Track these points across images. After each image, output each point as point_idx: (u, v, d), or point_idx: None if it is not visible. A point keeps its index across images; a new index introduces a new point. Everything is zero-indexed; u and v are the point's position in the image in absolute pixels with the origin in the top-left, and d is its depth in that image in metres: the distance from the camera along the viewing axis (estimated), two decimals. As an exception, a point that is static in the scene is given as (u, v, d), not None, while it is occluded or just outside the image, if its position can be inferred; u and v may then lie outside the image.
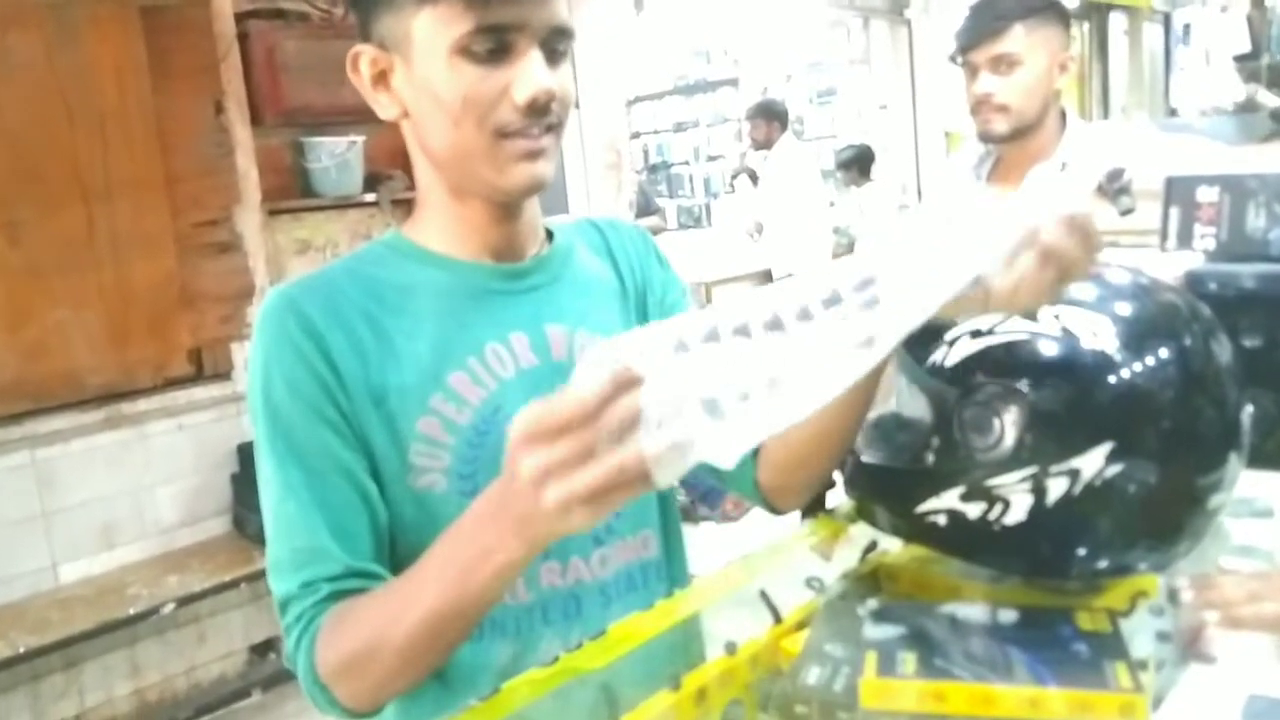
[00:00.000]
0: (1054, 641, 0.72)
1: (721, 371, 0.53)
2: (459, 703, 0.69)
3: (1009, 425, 0.73)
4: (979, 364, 0.75)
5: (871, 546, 0.98)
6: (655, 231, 6.06)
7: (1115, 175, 1.41)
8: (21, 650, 2.32)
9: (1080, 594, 0.82)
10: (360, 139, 3.08)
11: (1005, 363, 0.73)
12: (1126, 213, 1.39)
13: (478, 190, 0.83)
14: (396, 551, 0.84)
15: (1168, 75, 6.77)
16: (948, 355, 0.77)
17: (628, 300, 0.98)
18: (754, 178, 5.42)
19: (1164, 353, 0.72)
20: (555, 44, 0.80)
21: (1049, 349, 0.72)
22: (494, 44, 0.76)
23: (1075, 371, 0.71)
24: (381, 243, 0.90)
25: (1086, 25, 6.73)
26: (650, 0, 4.01)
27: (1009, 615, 0.76)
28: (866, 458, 0.86)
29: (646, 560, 0.92)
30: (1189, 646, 0.80)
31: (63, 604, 2.54)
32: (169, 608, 2.54)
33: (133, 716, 2.75)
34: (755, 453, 0.91)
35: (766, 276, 5.00)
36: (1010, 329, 0.74)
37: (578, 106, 3.95)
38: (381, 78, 0.82)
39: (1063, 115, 1.70)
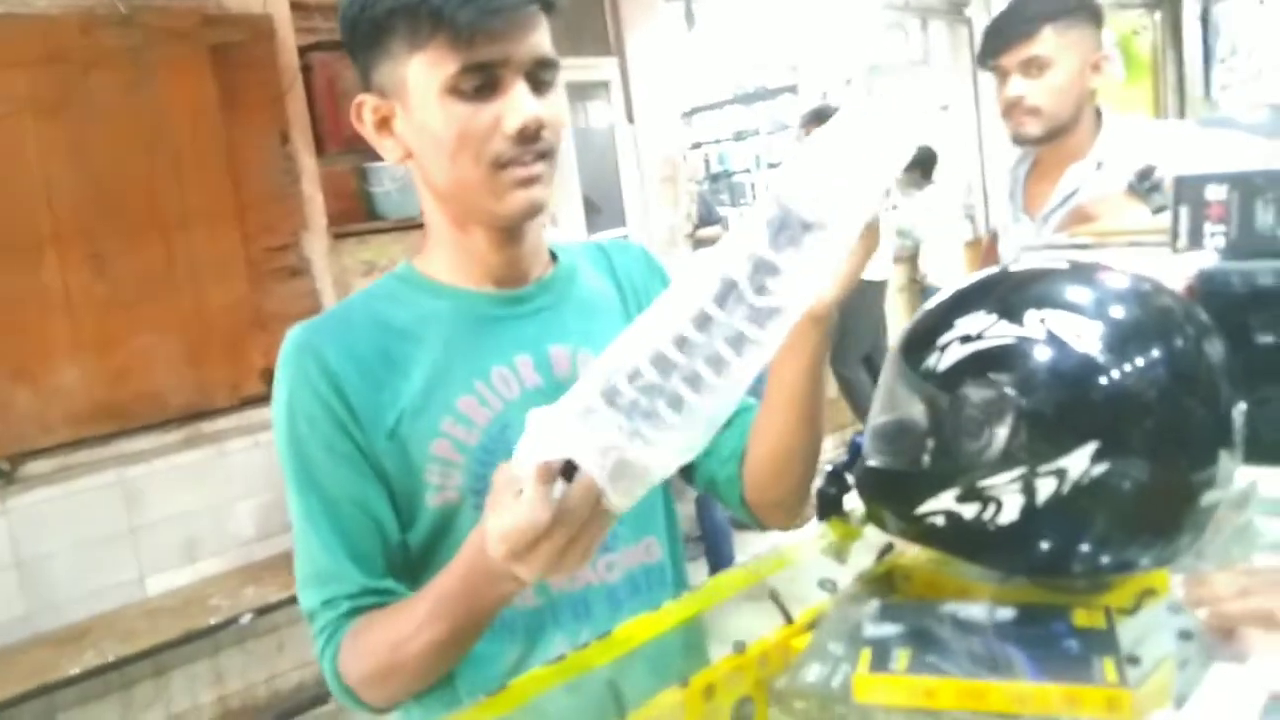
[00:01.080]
0: (1047, 638, 0.74)
1: (647, 406, 0.58)
2: (467, 700, 0.74)
3: (997, 427, 0.75)
4: (968, 368, 0.77)
5: (888, 549, 1.00)
6: (717, 241, 6.11)
7: (1146, 173, 1.41)
8: (112, 659, 2.45)
9: (1086, 593, 0.83)
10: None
11: (992, 366, 0.75)
12: (1159, 211, 1.39)
13: (479, 219, 0.89)
14: (422, 560, 0.90)
15: (1207, 69, 6.55)
16: (940, 360, 0.79)
17: (629, 320, 1.02)
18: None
19: (1150, 354, 0.73)
20: (540, 75, 0.85)
21: (1033, 352, 0.74)
22: (480, 81, 0.82)
23: (1059, 374, 0.73)
24: (394, 276, 0.97)
25: (1159, 14, 6.56)
26: (702, 14, 4.04)
27: (1006, 613, 0.78)
28: (871, 461, 0.89)
29: (650, 565, 0.97)
30: (1221, 644, 0.80)
31: (150, 614, 2.68)
32: (247, 618, 2.66)
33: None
34: (738, 474, 0.95)
35: (828, 282, 4.97)
36: (998, 334, 0.76)
37: (631, 121, 4.02)
38: (384, 124, 0.88)
39: (1098, 114, 1.69)
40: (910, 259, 5.51)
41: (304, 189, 3.05)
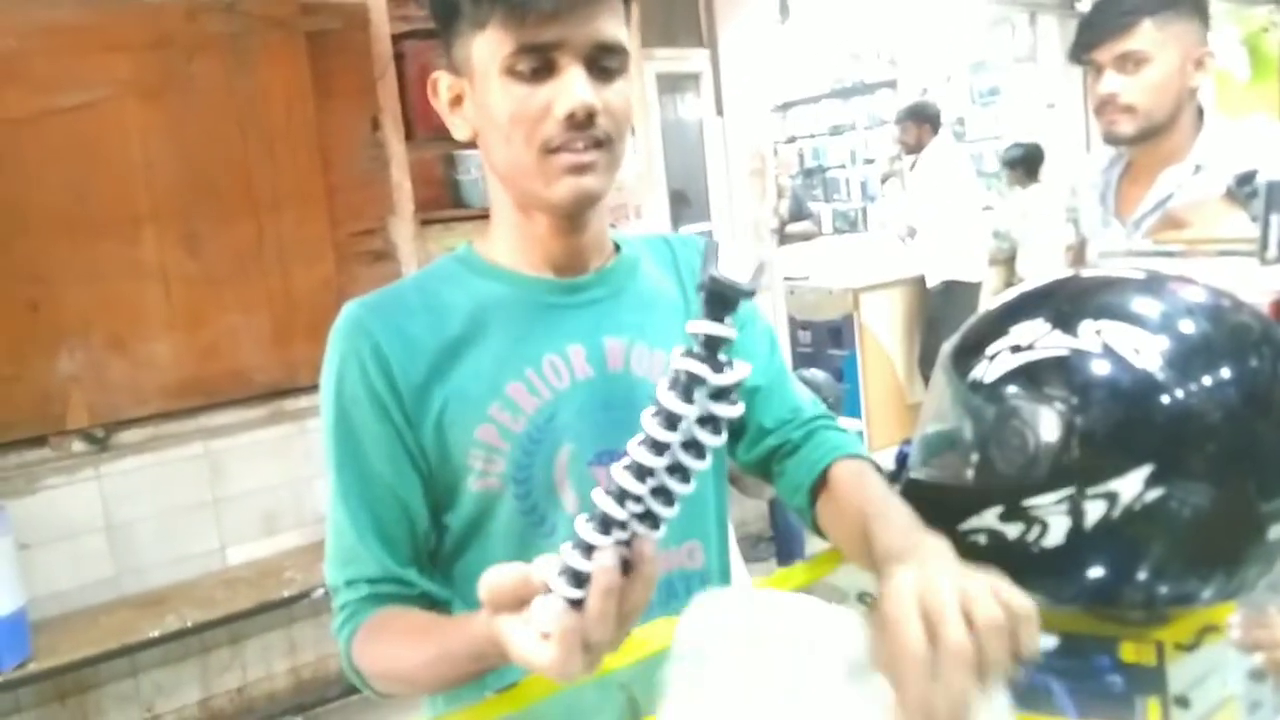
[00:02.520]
0: (1089, 672, 0.69)
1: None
2: (489, 692, 0.73)
3: (1044, 444, 0.70)
4: (1016, 380, 0.73)
5: (934, 564, 0.95)
6: (807, 237, 6.02)
7: (1246, 178, 1.31)
8: (190, 624, 2.53)
9: (1141, 625, 0.78)
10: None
11: (1042, 379, 0.71)
12: (1258, 218, 1.30)
13: (536, 205, 0.87)
14: (461, 544, 0.90)
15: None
16: (987, 371, 0.75)
17: (690, 316, 0.99)
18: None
19: (1218, 373, 0.68)
20: (602, 61, 0.82)
21: (1087, 366, 0.69)
22: (536, 63, 0.80)
23: (1112, 390, 0.68)
24: (454, 257, 0.96)
25: (1289, 10, 6.19)
26: (797, 6, 3.97)
27: (1048, 641, 0.73)
28: (916, 473, 0.85)
29: (690, 571, 0.94)
30: None
31: (228, 584, 2.76)
32: (320, 592, 2.72)
33: (290, 691, 2.96)
34: (814, 492, 0.93)
35: (919, 283, 4.86)
36: (1050, 344, 0.72)
37: (721, 114, 3.97)
38: (457, 101, 0.88)
39: (1200, 114, 1.59)
40: (1007, 261, 5.34)
41: (393, 175, 3.09)
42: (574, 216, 0.89)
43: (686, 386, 0.53)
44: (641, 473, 0.55)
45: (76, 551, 2.61)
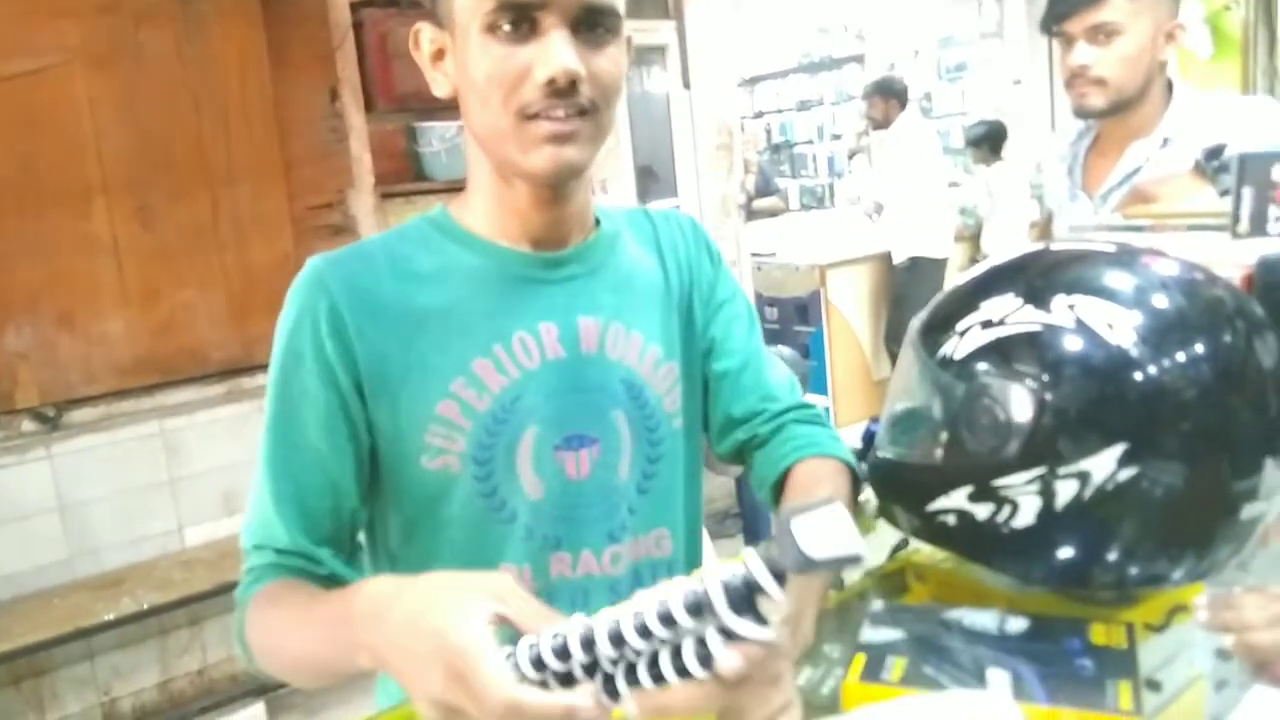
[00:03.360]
0: (1059, 655, 0.68)
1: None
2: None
3: (1015, 423, 0.68)
4: (987, 356, 0.70)
5: (902, 544, 0.94)
6: (774, 213, 6.00)
7: (1215, 152, 1.30)
8: (148, 606, 2.48)
9: (1111, 606, 0.77)
10: (467, 123, 3.14)
11: (1014, 355, 0.69)
12: (1226, 193, 1.28)
13: (514, 172, 0.82)
14: (411, 527, 0.86)
15: None
16: (957, 346, 0.73)
17: (670, 296, 0.96)
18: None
19: (1192, 349, 0.66)
20: (593, 23, 0.78)
21: (1060, 342, 0.67)
22: (518, 21, 0.76)
23: (1086, 367, 0.66)
24: (427, 218, 0.91)
25: (1250, -13, 6.23)
26: (764, -23, 3.92)
27: (1018, 624, 0.72)
28: (883, 452, 0.83)
29: (658, 559, 0.91)
30: (1262, 669, 0.73)
31: (186, 565, 2.71)
32: (280, 573, 2.68)
33: (251, 673, 2.91)
34: (775, 490, 0.92)
35: (886, 259, 4.86)
36: (1022, 320, 0.70)
37: (687, 88, 3.92)
38: (439, 55, 0.83)
39: (1169, 87, 1.58)
40: (972, 238, 5.35)
41: (352, 147, 3.02)
42: (555, 187, 0.84)
43: (700, 607, 0.51)
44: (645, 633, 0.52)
45: (28, 533, 2.54)
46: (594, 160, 0.83)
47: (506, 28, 0.76)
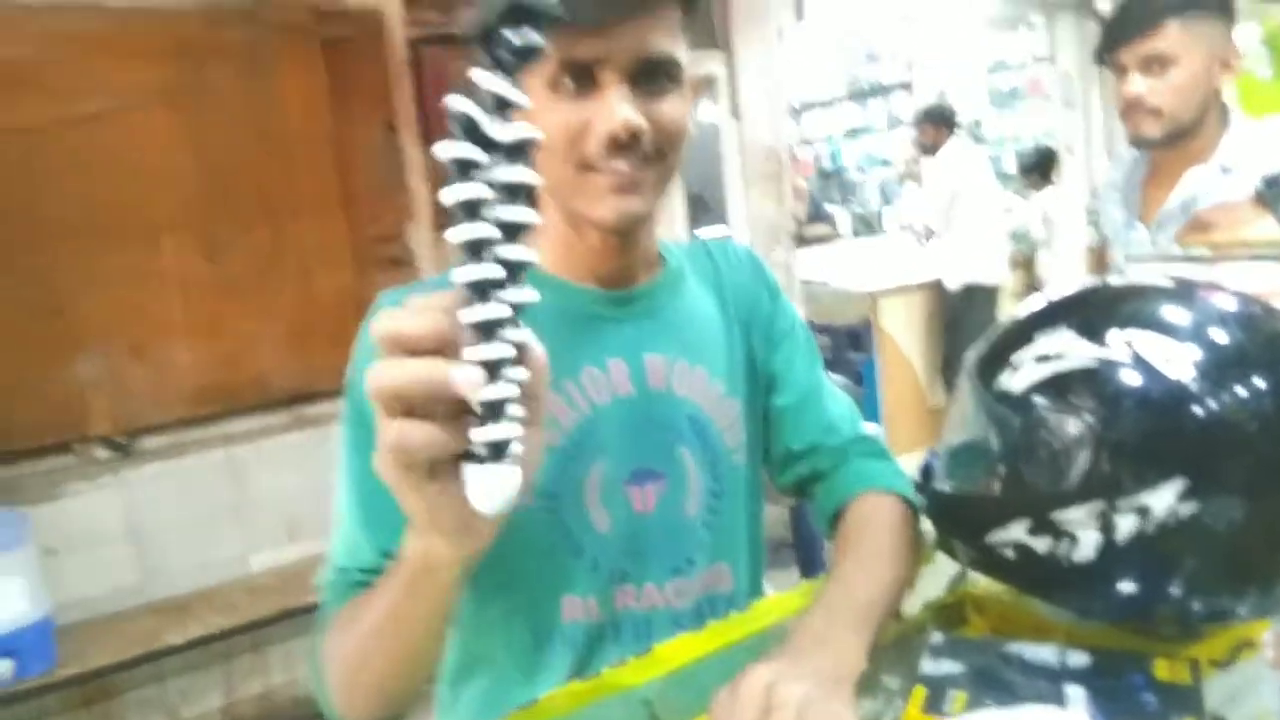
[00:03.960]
0: (1122, 691, 0.68)
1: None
2: (504, 711, 0.72)
3: (1073, 456, 0.69)
4: (1044, 390, 0.71)
5: (961, 576, 0.94)
6: (825, 240, 5.99)
7: (1275, 180, 1.29)
8: (214, 631, 2.54)
9: (1174, 641, 0.77)
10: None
11: (1070, 390, 0.70)
12: (1287, 221, 1.28)
13: (581, 222, 0.84)
14: (482, 564, 0.87)
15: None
16: (1014, 379, 0.74)
17: (730, 331, 0.98)
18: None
19: (1251, 383, 0.66)
20: (652, 74, 0.79)
21: (1116, 376, 0.68)
22: (579, 78, 0.78)
23: (1143, 401, 0.67)
24: None
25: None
26: (813, 8, 3.95)
27: (1079, 659, 0.72)
28: (941, 485, 0.84)
29: (718, 594, 0.92)
30: None
31: (251, 590, 2.77)
32: (340, 598, 2.73)
33: (313, 697, 2.96)
34: (832, 525, 0.92)
35: (938, 286, 4.82)
36: (1078, 354, 0.70)
37: (736, 118, 3.96)
38: None
39: (1225, 114, 1.57)
40: (1027, 264, 5.29)
41: (410, 181, 3.10)
42: (621, 234, 0.85)
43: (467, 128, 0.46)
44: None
45: (101, 558, 2.62)
46: (660, 204, 0.85)
47: (569, 83, 0.78)
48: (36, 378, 2.51)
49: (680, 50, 0.82)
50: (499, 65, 0.47)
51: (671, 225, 3.69)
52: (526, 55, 0.47)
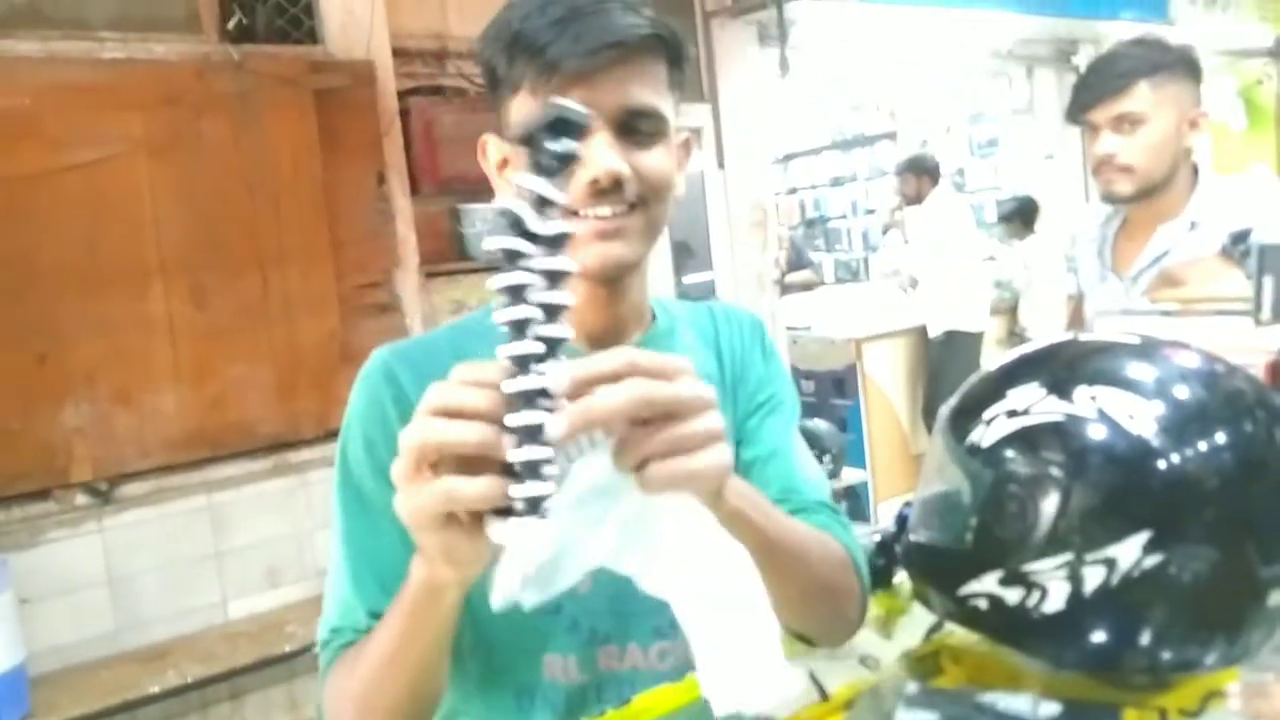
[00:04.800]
0: (1092, 739, 0.69)
1: None
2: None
3: (1041, 510, 0.70)
4: (1013, 444, 0.73)
5: (937, 626, 0.95)
6: (808, 287, 6.05)
7: (1241, 236, 1.33)
8: (191, 680, 2.51)
9: (1145, 691, 0.78)
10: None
11: (1038, 444, 0.72)
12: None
13: None
14: (475, 618, 0.85)
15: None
16: (984, 435, 0.75)
17: (724, 391, 0.97)
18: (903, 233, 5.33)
19: (1213, 439, 0.68)
20: (635, 125, 0.81)
21: (1082, 432, 0.70)
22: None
23: (1109, 456, 0.69)
24: (487, 311, 0.94)
25: (1281, 65, 6.28)
26: (797, 60, 4.03)
27: (1051, 709, 0.73)
28: (915, 536, 0.85)
29: None
30: None
31: (229, 638, 2.74)
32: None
33: (297, 752, 2.92)
34: None
35: (922, 332, 4.87)
36: (1046, 410, 0.72)
37: (722, 167, 4.02)
38: (504, 164, 0.88)
39: (1195, 171, 1.62)
40: (1009, 311, 5.36)
41: (398, 228, 3.13)
42: (608, 283, 0.86)
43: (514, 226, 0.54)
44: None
45: (77, 605, 2.59)
46: (646, 256, 0.86)
47: None
48: (19, 424, 2.50)
49: (666, 105, 0.84)
50: (540, 169, 0.54)
51: (657, 273, 3.73)
52: (565, 160, 0.54)
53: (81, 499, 2.61)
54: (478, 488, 0.54)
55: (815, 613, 0.86)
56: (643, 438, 0.58)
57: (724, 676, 0.61)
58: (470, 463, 0.55)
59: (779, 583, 0.70)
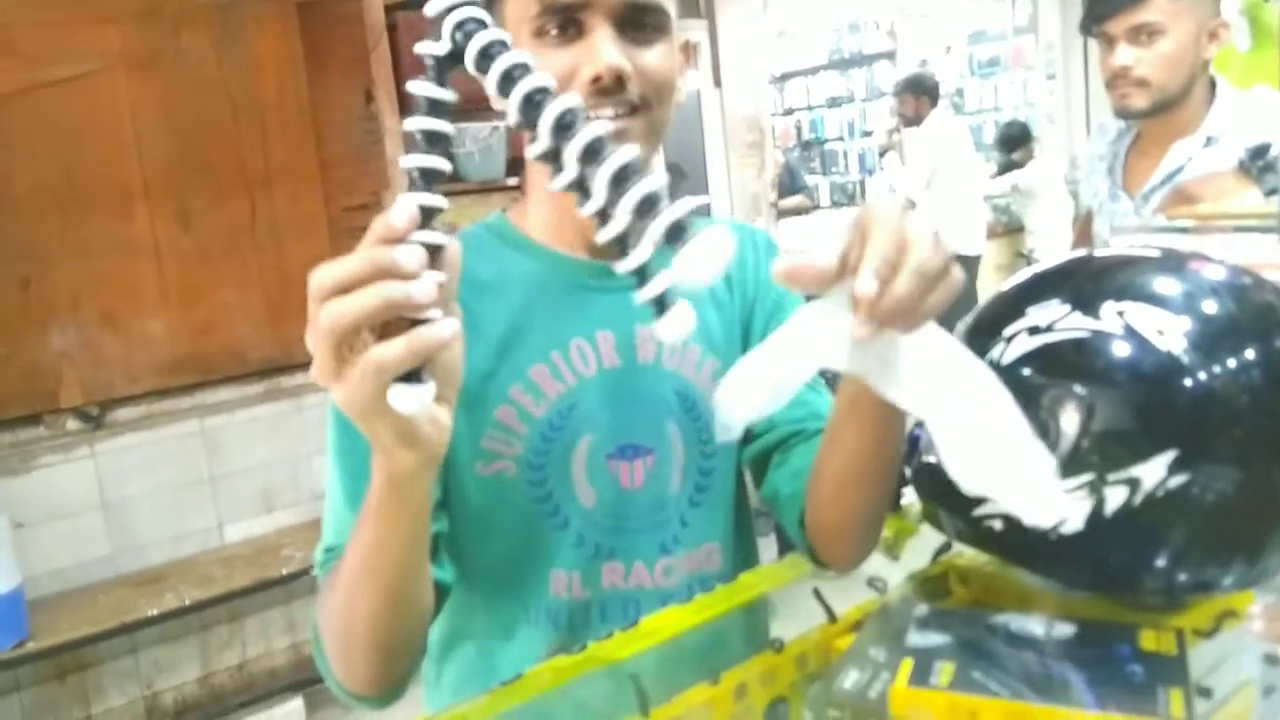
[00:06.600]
0: (1109, 661, 0.67)
1: None
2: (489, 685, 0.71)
3: (1064, 429, 0.68)
4: (1035, 362, 0.70)
5: (945, 548, 0.94)
6: (801, 211, 5.98)
7: (1260, 151, 1.29)
8: (189, 602, 2.53)
9: (1158, 611, 0.77)
10: (503, 125, 3.17)
11: (1061, 362, 0.69)
12: (1272, 193, 1.27)
13: None
14: (464, 529, 0.85)
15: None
16: (1005, 352, 0.73)
17: (733, 309, 0.95)
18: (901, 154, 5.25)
19: (1243, 355, 0.66)
20: (639, 21, 0.78)
21: (1108, 348, 0.67)
22: (563, 23, 0.76)
23: (1135, 373, 0.66)
24: (485, 225, 0.91)
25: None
26: (796, -25, 3.92)
27: (1065, 630, 0.72)
28: (928, 456, 0.83)
29: (709, 574, 0.91)
30: None
31: (226, 562, 2.75)
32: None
33: (290, 668, 2.96)
34: (802, 491, 0.85)
35: (918, 256, 4.82)
36: (1070, 325, 0.70)
37: (718, 86, 3.93)
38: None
39: (1212, 86, 1.56)
40: (1007, 234, 5.31)
41: (387, 149, 3.06)
42: None
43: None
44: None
45: (73, 530, 2.59)
46: (650, 162, 0.83)
47: (553, 31, 0.77)
48: (6, 349, 2.47)
49: (668, 0, 0.81)
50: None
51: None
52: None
53: (72, 424, 2.59)
54: (401, 344, 0.52)
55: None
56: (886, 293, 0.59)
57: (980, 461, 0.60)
58: (383, 333, 0.53)
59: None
